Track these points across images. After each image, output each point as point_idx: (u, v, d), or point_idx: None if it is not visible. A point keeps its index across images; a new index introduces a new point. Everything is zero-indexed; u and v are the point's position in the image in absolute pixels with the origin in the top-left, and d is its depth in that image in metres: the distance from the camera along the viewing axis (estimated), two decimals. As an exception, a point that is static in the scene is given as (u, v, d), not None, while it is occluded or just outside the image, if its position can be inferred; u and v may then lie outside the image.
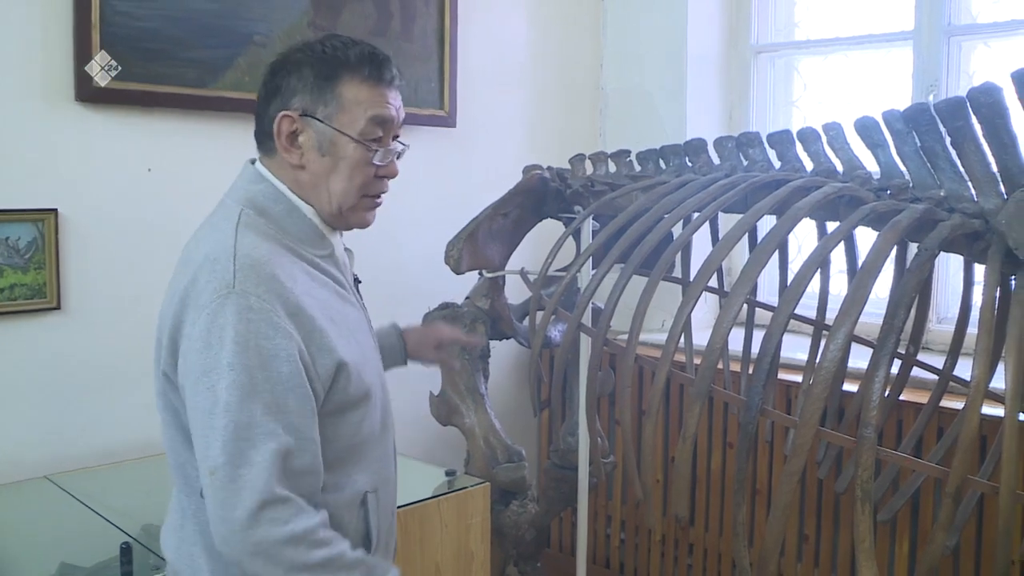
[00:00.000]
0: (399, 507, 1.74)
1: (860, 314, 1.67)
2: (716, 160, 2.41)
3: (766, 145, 2.30)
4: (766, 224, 2.15)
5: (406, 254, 3.03)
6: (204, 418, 1.29)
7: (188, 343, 1.32)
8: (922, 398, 2.33)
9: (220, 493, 1.27)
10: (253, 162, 1.48)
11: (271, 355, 1.30)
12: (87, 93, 2.35)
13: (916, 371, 2.22)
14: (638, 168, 2.58)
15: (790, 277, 2.07)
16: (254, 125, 1.47)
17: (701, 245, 2.33)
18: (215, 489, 1.28)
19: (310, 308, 1.37)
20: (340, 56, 1.42)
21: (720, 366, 2.44)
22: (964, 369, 1.83)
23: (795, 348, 2.71)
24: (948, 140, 1.86)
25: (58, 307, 2.35)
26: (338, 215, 1.46)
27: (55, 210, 2.33)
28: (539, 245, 2.88)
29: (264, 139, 1.46)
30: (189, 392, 1.32)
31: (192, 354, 1.31)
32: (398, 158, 1.49)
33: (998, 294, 1.77)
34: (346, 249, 1.57)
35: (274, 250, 1.38)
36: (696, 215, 2.06)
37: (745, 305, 2.31)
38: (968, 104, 1.79)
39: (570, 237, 2.41)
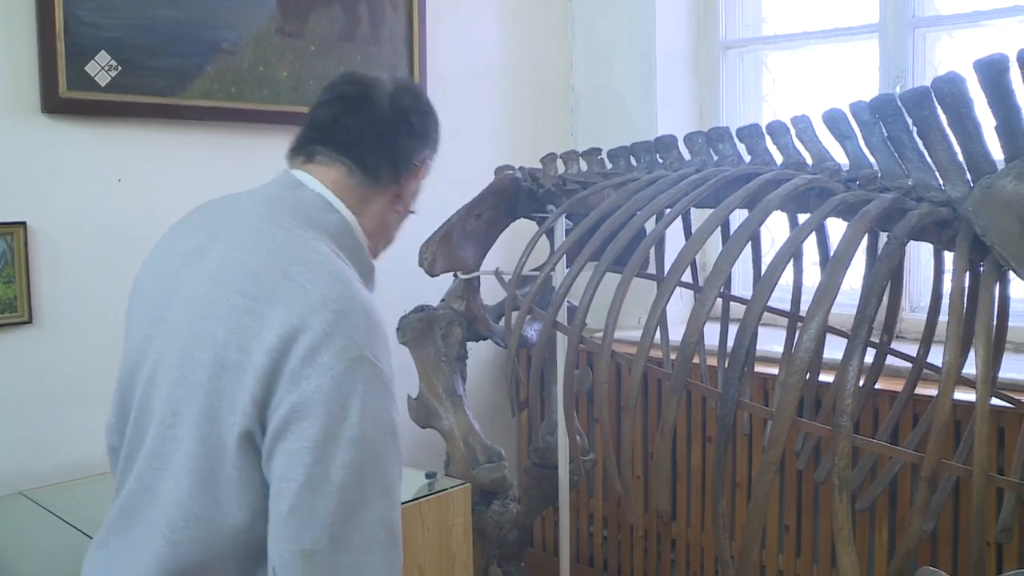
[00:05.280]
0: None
1: (832, 304, 1.68)
2: (687, 156, 2.42)
3: (736, 139, 2.31)
4: (738, 218, 2.16)
5: (379, 257, 3.02)
6: (304, 493, 1.16)
7: (299, 403, 1.17)
8: (897, 386, 2.36)
9: None
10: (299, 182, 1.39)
11: (392, 430, 1.22)
12: (53, 104, 2.32)
13: (891, 359, 2.24)
14: (609, 166, 2.59)
15: (763, 270, 2.09)
16: (374, 152, 1.40)
17: (674, 240, 2.34)
18: (309, 573, 1.16)
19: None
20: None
21: (696, 360, 2.45)
22: (937, 356, 1.85)
23: (771, 340, 2.73)
24: (915, 130, 1.87)
25: (30, 321, 2.33)
26: (373, 258, 1.51)
27: (24, 223, 2.31)
28: (513, 245, 2.88)
29: (384, 170, 1.42)
30: (282, 455, 1.18)
31: (303, 419, 1.17)
32: None
33: (967, 280, 1.79)
34: None
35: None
36: (668, 211, 2.07)
37: (719, 299, 2.32)
38: (933, 94, 1.81)
39: (544, 236, 2.42)
